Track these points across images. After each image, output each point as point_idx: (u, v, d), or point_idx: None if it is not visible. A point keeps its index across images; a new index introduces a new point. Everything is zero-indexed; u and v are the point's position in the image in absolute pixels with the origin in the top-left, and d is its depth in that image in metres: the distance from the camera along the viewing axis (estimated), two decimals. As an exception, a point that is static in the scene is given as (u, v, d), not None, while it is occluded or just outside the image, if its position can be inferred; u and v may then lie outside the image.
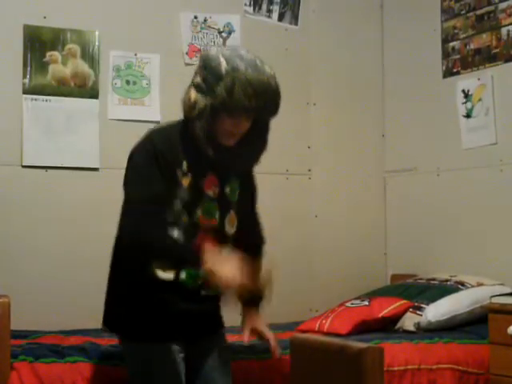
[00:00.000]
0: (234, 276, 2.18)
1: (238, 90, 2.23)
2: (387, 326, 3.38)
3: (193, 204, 2.33)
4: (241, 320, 2.63)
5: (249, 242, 2.51)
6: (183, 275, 2.33)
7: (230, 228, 2.44)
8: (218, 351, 2.48)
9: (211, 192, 2.37)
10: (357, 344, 1.75)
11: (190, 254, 2.24)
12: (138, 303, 2.36)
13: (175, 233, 2.29)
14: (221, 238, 2.38)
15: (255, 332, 2.61)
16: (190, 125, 2.33)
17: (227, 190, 2.43)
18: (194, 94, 2.30)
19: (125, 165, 3.85)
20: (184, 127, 2.37)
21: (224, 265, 2.20)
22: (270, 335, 2.60)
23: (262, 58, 2.34)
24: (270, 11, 4.19)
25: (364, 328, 3.30)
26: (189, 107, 2.31)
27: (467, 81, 3.87)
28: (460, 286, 3.48)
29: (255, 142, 2.40)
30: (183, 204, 2.31)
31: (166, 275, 2.31)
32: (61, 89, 3.71)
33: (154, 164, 2.27)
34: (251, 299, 2.50)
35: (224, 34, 4.07)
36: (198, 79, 2.32)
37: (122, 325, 2.41)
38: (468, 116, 3.86)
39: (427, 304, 3.38)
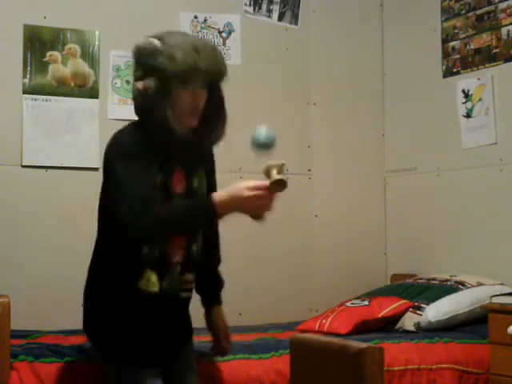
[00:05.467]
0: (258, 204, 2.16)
1: (178, 52, 2.19)
2: (387, 326, 3.38)
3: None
4: (207, 321, 2.57)
5: (206, 262, 2.47)
6: (165, 284, 2.28)
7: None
8: (191, 365, 2.46)
9: (179, 189, 2.29)
10: (357, 344, 1.75)
11: (207, 210, 2.16)
12: (118, 327, 2.30)
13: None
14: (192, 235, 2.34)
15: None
16: (147, 118, 2.24)
17: (195, 183, 2.35)
18: (140, 84, 2.23)
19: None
20: (141, 128, 2.27)
21: (243, 204, 2.16)
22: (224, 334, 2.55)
23: None
24: (269, 11, 4.19)
25: (364, 328, 3.30)
26: (141, 97, 2.23)
27: (467, 81, 3.87)
28: (460, 286, 3.48)
29: (216, 114, 2.34)
30: None
31: (151, 287, 2.25)
32: (61, 89, 3.72)
33: (135, 165, 2.17)
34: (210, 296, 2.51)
35: (224, 34, 4.07)
36: (138, 72, 2.27)
37: (101, 347, 2.37)
38: (468, 116, 3.86)
39: (427, 304, 3.38)
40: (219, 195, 2.17)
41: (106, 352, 2.36)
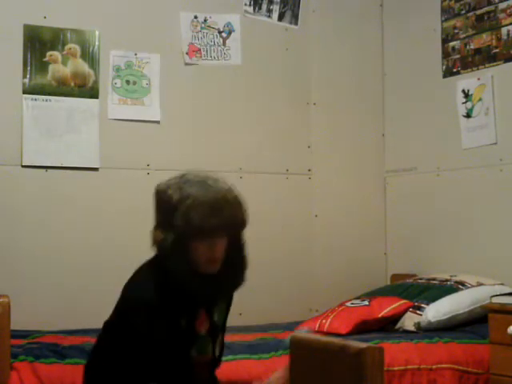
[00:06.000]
0: None
1: (193, 215, 2.13)
2: (387, 326, 3.38)
3: (188, 346, 2.23)
4: None
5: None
6: None
7: (220, 350, 2.38)
8: None
9: (203, 329, 2.28)
10: (357, 344, 1.74)
11: None
12: None
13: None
14: (212, 364, 2.34)
15: None
16: (167, 266, 2.20)
17: (215, 317, 2.33)
18: (158, 233, 2.20)
19: (124, 165, 3.88)
20: (161, 271, 2.22)
21: None
22: None
23: (213, 176, 2.24)
24: (269, 11, 4.19)
25: (364, 328, 3.30)
26: (159, 248, 2.20)
27: (467, 81, 3.87)
28: (460, 286, 3.48)
29: (235, 261, 2.30)
30: (179, 348, 2.20)
31: None
32: (61, 89, 3.71)
33: (163, 329, 2.14)
34: None
35: (224, 34, 4.07)
36: (159, 217, 2.23)
37: None
38: (468, 116, 3.86)
39: (427, 304, 3.38)
40: None
41: None
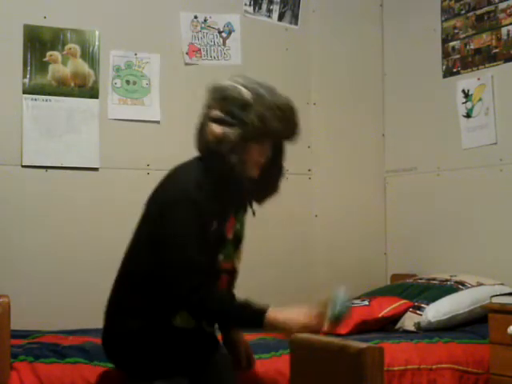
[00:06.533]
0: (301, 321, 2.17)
1: (269, 115, 2.20)
2: (387, 326, 3.38)
3: (217, 250, 2.25)
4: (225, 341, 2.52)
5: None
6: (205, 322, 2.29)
7: (238, 264, 2.39)
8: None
9: (230, 234, 2.30)
10: (357, 344, 1.75)
11: (258, 324, 2.19)
12: (144, 352, 2.27)
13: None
14: (232, 277, 2.36)
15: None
16: (216, 163, 2.24)
17: (238, 226, 2.36)
18: (218, 128, 2.22)
19: (124, 165, 3.88)
20: (204, 168, 2.27)
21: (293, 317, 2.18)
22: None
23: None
24: (269, 11, 4.19)
25: (364, 328, 3.30)
26: (216, 143, 2.22)
27: (467, 81, 3.87)
28: (460, 286, 3.48)
29: (275, 171, 2.38)
30: (209, 251, 2.22)
31: (187, 324, 2.26)
32: (61, 89, 3.71)
33: (198, 223, 2.17)
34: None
35: (224, 34, 4.07)
36: (217, 112, 2.24)
37: (126, 363, 2.35)
38: (468, 116, 3.86)
39: (427, 304, 3.38)
40: (276, 314, 2.18)
41: (127, 369, 2.34)
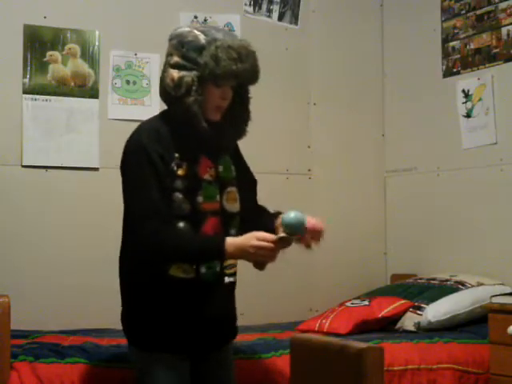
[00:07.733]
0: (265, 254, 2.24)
1: (223, 55, 2.24)
2: (387, 326, 3.38)
3: (193, 192, 2.29)
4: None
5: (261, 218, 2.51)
6: (203, 270, 2.30)
7: (232, 206, 2.40)
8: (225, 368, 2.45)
9: (208, 175, 2.34)
10: (357, 344, 1.75)
11: (213, 251, 2.26)
12: (154, 312, 2.30)
13: (181, 225, 2.27)
14: (225, 219, 2.36)
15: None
16: (175, 108, 2.31)
17: (221, 169, 2.39)
18: (176, 73, 2.28)
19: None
20: (166, 116, 2.35)
21: (250, 252, 2.22)
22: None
23: None
24: (269, 11, 4.19)
25: (364, 328, 3.30)
26: (174, 87, 2.27)
27: (467, 81, 3.87)
28: (460, 286, 3.48)
29: (239, 113, 2.41)
30: (184, 194, 2.28)
31: (186, 275, 2.28)
32: (61, 89, 3.72)
33: (148, 166, 2.25)
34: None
35: (224, 34, 4.07)
36: (175, 58, 2.30)
37: (135, 334, 2.36)
38: (468, 116, 3.86)
39: (427, 304, 3.38)
40: (231, 240, 2.25)
41: (139, 340, 2.35)
